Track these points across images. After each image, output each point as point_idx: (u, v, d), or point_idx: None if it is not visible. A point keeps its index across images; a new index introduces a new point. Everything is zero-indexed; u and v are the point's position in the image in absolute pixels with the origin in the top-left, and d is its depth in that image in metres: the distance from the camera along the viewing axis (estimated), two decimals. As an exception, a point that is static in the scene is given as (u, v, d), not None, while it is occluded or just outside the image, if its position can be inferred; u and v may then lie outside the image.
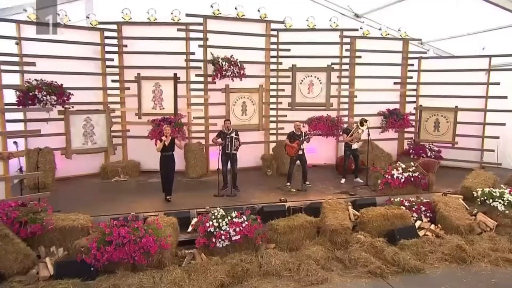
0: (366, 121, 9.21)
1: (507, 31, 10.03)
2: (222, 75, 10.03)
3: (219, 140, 8.58)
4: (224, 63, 9.93)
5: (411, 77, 11.51)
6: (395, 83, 11.54)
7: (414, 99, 11.67)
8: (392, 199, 7.78)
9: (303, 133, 9.01)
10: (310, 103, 11.17)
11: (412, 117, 11.57)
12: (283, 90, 11.12)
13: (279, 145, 10.58)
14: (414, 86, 11.63)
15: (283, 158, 10.20)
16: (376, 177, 8.65)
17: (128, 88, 10.30)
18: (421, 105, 11.48)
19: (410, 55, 11.44)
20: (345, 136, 9.46)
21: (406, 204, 7.55)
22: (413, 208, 7.47)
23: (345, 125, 10.49)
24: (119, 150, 10.42)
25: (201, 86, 10.31)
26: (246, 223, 6.28)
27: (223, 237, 6.08)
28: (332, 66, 11.04)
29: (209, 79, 10.25)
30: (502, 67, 10.82)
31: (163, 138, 7.64)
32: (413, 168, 8.48)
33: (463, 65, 10.78)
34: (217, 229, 6.12)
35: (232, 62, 10.08)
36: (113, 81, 10.25)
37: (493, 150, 10.62)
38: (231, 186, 8.51)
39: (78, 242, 5.69)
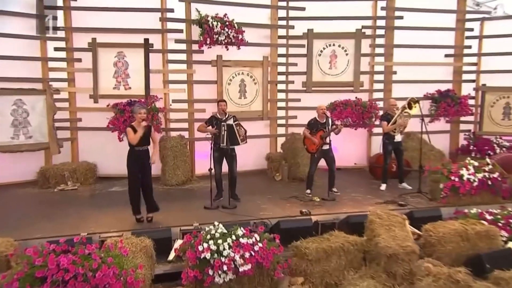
0: (416, 101, 8.24)
1: None
2: (213, 41, 8.99)
3: (210, 128, 7.57)
4: (215, 23, 8.83)
5: (470, 47, 10.62)
6: (446, 55, 10.56)
7: (473, 76, 10.78)
8: (467, 211, 6.75)
9: (330, 120, 8.01)
10: (332, 82, 10.29)
11: (472, 102, 10.65)
12: (295, 64, 10.21)
13: (291, 140, 9.78)
14: (474, 59, 10.72)
15: (297, 157, 9.39)
16: (436, 180, 7.63)
17: (79, 60, 9.30)
18: (484, 85, 10.61)
19: (468, 16, 10.56)
20: (385, 124, 8.46)
21: (488, 217, 6.55)
22: (500, 224, 6.40)
23: (380, 112, 9.65)
24: (66, 147, 9.42)
25: (183, 56, 9.43)
26: (260, 245, 5.14)
27: (225, 268, 4.94)
28: (363, 31, 10.11)
29: (195, 47, 9.28)
30: None
31: (144, 123, 6.43)
32: (490, 166, 7.38)
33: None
34: (216, 255, 4.99)
35: (227, 23, 9.02)
36: (56, 49, 9.23)
37: None
38: (229, 195, 7.56)
39: (-9, 280, 4.40)
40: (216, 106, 8.94)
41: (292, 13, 10.05)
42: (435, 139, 10.30)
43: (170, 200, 7.83)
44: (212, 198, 7.46)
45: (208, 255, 4.95)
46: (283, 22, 10.07)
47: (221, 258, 4.95)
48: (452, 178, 7.31)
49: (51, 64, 9.20)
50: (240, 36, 9.20)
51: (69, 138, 9.41)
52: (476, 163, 7.49)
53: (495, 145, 10.03)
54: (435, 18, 10.30)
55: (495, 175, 7.39)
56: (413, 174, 9.22)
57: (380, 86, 10.44)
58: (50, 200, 8.04)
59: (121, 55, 9.25)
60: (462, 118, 10.70)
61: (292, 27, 10.05)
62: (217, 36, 8.93)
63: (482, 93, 10.56)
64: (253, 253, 5.06)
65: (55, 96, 9.13)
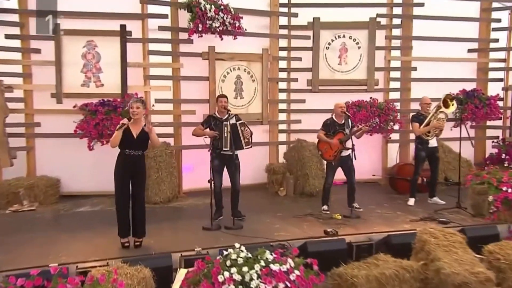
0: (453, 98, 7.99)
1: None
2: (206, 28, 8.36)
3: (208, 130, 7.01)
4: (209, 7, 8.24)
5: (497, 40, 10.28)
6: (470, 50, 10.28)
7: (501, 74, 10.41)
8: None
9: (350, 122, 7.61)
10: (342, 80, 9.80)
11: (500, 103, 10.26)
12: (299, 59, 9.64)
13: (296, 148, 9.21)
14: (502, 54, 10.37)
15: (305, 168, 8.87)
16: (481, 192, 7.13)
17: (38, 51, 8.54)
18: (514, 84, 10.25)
19: (494, 5, 10.25)
20: (416, 126, 8.00)
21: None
22: None
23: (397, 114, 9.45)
24: (21, 159, 8.60)
25: (168, 47, 8.80)
26: (297, 273, 4.43)
27: (254, 305, 4.21)
28: (378, 20, 9.69)
29: (182, 36, 8.70)
30: None
31: (124, 121, 5.66)
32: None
33: None
34: (241, 288, 4.21)
35: (222, 7, 8.44)
36: (8, 36, 8.42)
37: None
38: (233, 214, 6.95)
39: None
40: (208, 107, 8.31)
41: (295, -1, 9.60)
42: (457, 147, 9.93)
43: (157, 221, 7.06)
44: (212, 217, 6.78)
45: (231, 288, 4.17)
46: (285, 9, 9.57)
47: (249, 291, 4.19)
48: (504, 189, 6.80)
49: (2, 55, 8.38)
50: (237, 23, 8.61)
51: (25, 147, 8.60)
52: (528, 170, 7.02)
53: (530, 153, 9.63)
54: (457, 7, 9.99)
55: (551, 185, 6.92)
56: (438, 187, 8.69)
57: (397, 84, 9.98)
58: (1, 223, 7.17)
59: (92, 45, 8.53)
60: (489, 123, 10.31)
61: (296, 15, 9.53)
62: (210, 22, 8.27)
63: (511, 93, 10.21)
64: (288, 284, 4.31)
65: (7, 95, 8.30)
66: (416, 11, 9.83)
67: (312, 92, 9.63)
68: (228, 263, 4.41)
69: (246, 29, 8.76)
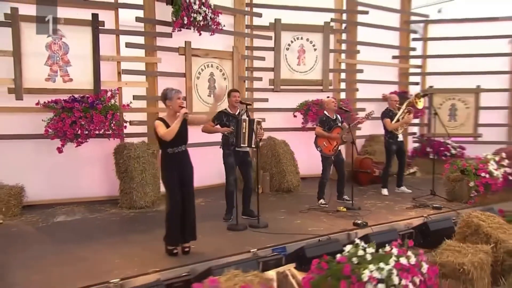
0: (422, 96, 8.35)
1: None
2: (190, 21, 7.39)
3: (218, 127, 6.30)
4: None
5: (415, 49, 10.95)
6: (394, 57, 10.81)
7: (418, 78, 11.11)
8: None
9: (339, 117, 7.48)
10: (300, 80, 9.49)
11: None
12: (262, 58, 9.13)
13: (269, 146, 8.69)
14: (419, 61, 11.07)
15: (280, 164, 8.40)
16: (456, 179, 7.34)
17: None
18: (431, 87, 10.93)
19: (413, 18, 10.91)
20: (388, 121, 8.12)
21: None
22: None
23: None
24: None
25: (141, 40, 7.67)
26: (426, 266, 4.03)
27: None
28: (331, 24, 9.58)
29: (160, 28, 7.68)
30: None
31: (183, 110, 4.74)
32: (507, 161, 7.54)
33: (483, 30, 10.41)
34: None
35: (204, 1, 7.55)
36: None
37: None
38: (258, 214, 6.19)
39: None
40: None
41: (258, -1, 9.05)
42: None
43: (160, 226, 5.50)
44: (226, 217, 6.28)
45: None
46: (248, 8, 8.98)
47: (394, 290, 3.72)
48: (483, 175, 7.13)
49: None
50: (217, 19, 7.77)
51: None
52: (496, 158, 7.48)
53: (449, 146, 10.30)
54: (391, 18, 10.45)
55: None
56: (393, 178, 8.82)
57: (343, 85, 10.02)
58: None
59: (58, 35, 7.01)
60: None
61: (260, 15, 8.97)
62: (195, 15, 7.34)
63: (429, 95, 10.80)
64: (422, 278, 3.89)
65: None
66: (361, 18, 9.99)
67: (274, 91, 9.18)
68: (354, 260, 3.87)
69: (224, 25, 7.98)
